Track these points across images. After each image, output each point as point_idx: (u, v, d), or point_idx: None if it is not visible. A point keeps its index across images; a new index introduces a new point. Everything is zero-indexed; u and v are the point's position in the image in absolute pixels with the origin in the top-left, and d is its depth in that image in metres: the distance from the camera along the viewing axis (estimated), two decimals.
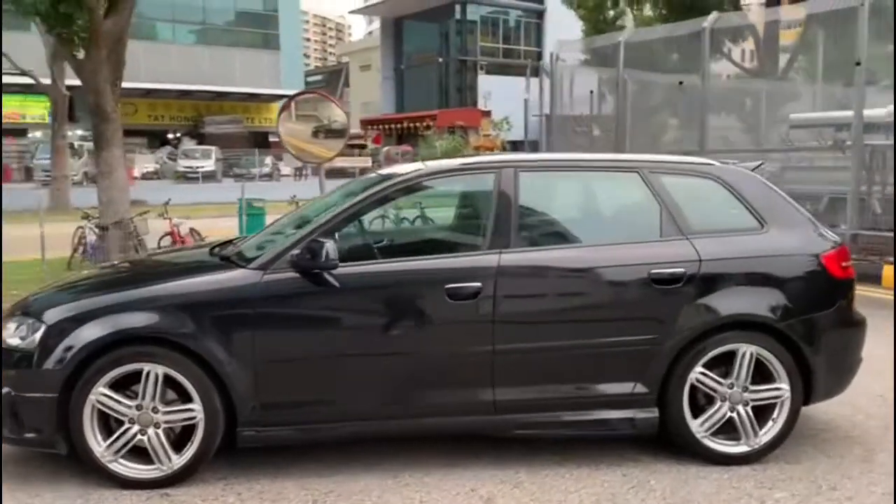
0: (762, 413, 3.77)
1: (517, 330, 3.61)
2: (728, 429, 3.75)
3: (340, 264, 3.47)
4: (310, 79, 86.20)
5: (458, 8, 48.62)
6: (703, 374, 3.69)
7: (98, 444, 3.40)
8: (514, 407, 3.63)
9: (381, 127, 48.95)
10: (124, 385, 3.42)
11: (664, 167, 3.95)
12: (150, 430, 3.42)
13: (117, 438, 3.41)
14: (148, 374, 3.39)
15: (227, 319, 3.46)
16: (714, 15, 11.46)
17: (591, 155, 4.68)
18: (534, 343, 3.62)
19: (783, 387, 3.74)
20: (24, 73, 24.30)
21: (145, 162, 36.12)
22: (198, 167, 30.80)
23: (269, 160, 35.88)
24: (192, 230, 11.69)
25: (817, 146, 10.73)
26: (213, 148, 34.61)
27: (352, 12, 64.45)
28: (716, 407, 3.73)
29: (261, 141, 42.33)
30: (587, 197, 4.11)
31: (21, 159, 33.10)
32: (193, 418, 3.44)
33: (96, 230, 11.48)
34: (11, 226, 13.04)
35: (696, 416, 3.72)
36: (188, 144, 38.42)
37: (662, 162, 4.04)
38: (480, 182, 3.81)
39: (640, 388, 3.67)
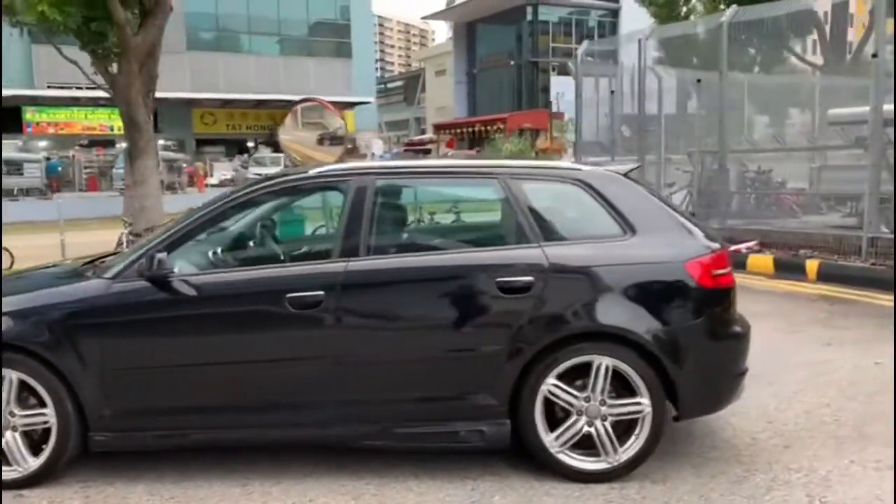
0: (629, 429, 3.61)
1: (361, 339, 3.60)
2: (591, 444, 3.61)
3: (189, 274, 3.55)
4: (390, 85, 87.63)
5: (529, 10, 48.39)
6: (556, 386, 3.57)
7: None
8: (360, 417, 3.62)
9: (453, 131, 49.21)
10: None
11: (526, 173, 3.84)
12: (8, 434, 3.59)
13: None
14: (5, 379, 3.55)
15: (79, 328, 3.59)
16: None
17: (453, 162, 4.61)
18: (379, 353, 3.60)
19: (644, 402, 3.57)
20: (97, 87, 25.59)
21: (223, 170, 37.48)
22: (266, 173, 31.77)
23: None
24: None
25: (843, 144, 10.13)
26: (283, 155, 35.60)
27: (424, 18, 64.97)
28: (571, 421, 3.60)
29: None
30: (443, 204, 4.04)
31: (106, 169, 34.91)
32: (47, 423, 3.58)
33: (131, 237, 11.94)
34: (80, 232, 13.95)
35: (553, 429, 3.61)
36: (263, 152, 39.63)
37: (525, 168, 3.94)
38: (339, 191, 3.80)
39: (489, 400, 3.58)
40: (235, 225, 3.96)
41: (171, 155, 34.88)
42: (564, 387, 3.57)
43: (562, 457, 3.60)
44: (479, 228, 3.97)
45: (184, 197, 27.64)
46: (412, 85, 73.73)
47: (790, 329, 6.56)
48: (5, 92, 33.64)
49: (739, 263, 9.71)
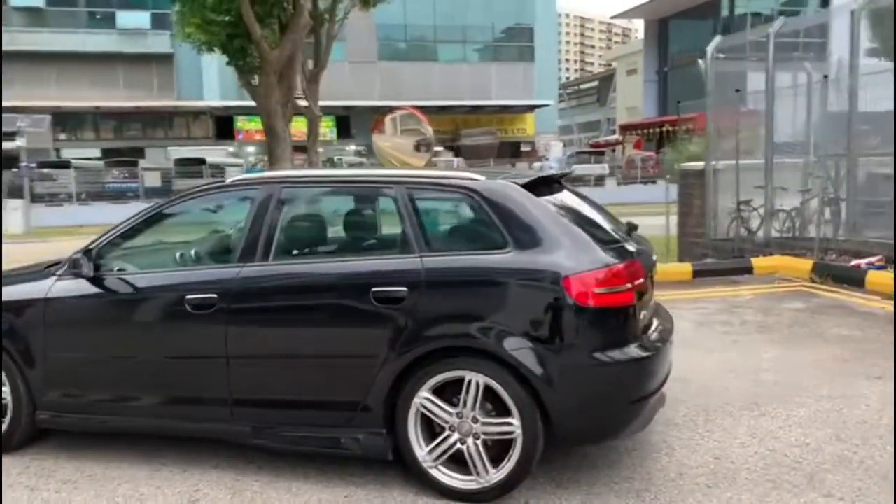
0: (506, 450, 3.48)
1: (248, 342, 3.77)
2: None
3: (107, 274, 3.94)
4: (584, 86, 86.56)
5: (726, 3, 45.69)
6: (428, 399, 3.52)
7: None
8: (249, 417, 3.79)
9: (640, 132, 47.66)
10: None
11: (420, 183, 3.80)
12: None
13: None
14: None
15: (31, 319, 4.10)
16: None
17: (356, 172, 4.55)
18: (264, 356, 3.76)
19: (514, 422, 3.42)
20: (300, 98, 27.94)
21: None
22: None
23: (512, 169, 36.97)
24: None
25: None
26: (456, 159, 36.56)
27: (614, 17, 63.38)
28: (444, 436, 3.53)
29: (513, 150, 43.66)
30: (341, 214, 4.08)
31: None
32: (4, 399, 4.13)
33: None
34: None
35: (430, 443, 3.56)
36: (445, 156, 40.92)
37: (420, 177, 3.88)
38: (249, 198, 3.99)
39: (365, 408, 3.60)
40: (158, 230, 4.28)
41: (355, 160, 36.96)
42: (436, 401, 3.51)
43: (434, 472, 3.54)
44: (370, 238, 3.98)
45: None
46: (605, 85, 72.37)
47: (846, 357, 5.81)
48: (221, 103, 37.86)
49: (858, 280, 8.70)
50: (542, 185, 4.05)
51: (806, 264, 9.62)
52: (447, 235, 3.75)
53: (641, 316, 3.65)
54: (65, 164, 29.61)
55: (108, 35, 37.49)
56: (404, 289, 3.53)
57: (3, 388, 4.12)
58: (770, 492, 3.56)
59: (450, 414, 3.51)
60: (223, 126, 39.38)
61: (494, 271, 3.51)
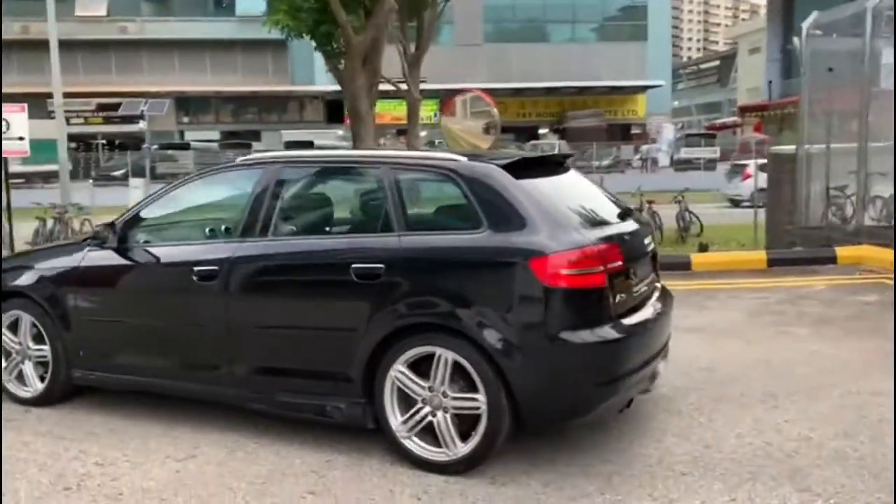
0: (474, 424, 3.56)
1: (243, 312, 4.02)
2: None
3: (128, 246, 4.30)
4: (703, 66, 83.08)
5: None
6: (402, 372, 3.65)
7: None
8: (245, 382, 4.05)
9: (761, 114, 45.44)
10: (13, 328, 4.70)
11: (404, 163, 3.91)
12: (27, 363, 4.65)
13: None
14: (19, 319, 4.62)
15: (66, 286, 4.52)
16: None
17: (348, 153, 4.60)
18: (257, 325, 3.99)
19: (480, 398, 3.50)
20: (385, 81, 28.48)
21: None
22: None
23: (615, 151, 36.19)
24: None
25: None
26: (558, 142, 36.11)
27: None
28: (416, 408, 3.65)
29: (622, 133, 42.69)
30: (333, 193, 4.23)
31: None
32: (45, 357, 4.57)
33: None
34: None
35: (405, 414, 3.70)
36: (550, 139, 40.52)
37: (406, 158, 3.99)
38: (252, 177, 4.21)
39: (347, 379, 3.77)
40: (176, 205, 4.58)
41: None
42: (410, 374, 3.64)
43: (407, 442, 3.68)
44: (357, 216, 4.12)
45: None
46: (727, 65, 69.26)
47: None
48: (332, 87, 39.01)
49: None
50: (537, 167, 4.08)
51: (892, 255, 9.02)
52: (427, 215, 3.85)
53: (619, 298, 3.62)
54: (185, 146, 31.47)
55: (229, 22, 39.31)
56: (382, 266, 3.67)
57: (45, 347, 4.57)
58: (743, 483, 3.47)
59: (422, 388, 3.62)
60: (333, 110, 40.58)
61: (467, 251, 3.59)
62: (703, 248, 11.56)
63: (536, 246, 3.47)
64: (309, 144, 32.56)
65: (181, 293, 4.18)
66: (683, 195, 14.38)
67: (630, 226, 4.04)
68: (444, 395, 3.58)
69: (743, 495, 3.37)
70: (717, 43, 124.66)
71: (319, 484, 3.55)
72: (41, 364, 4.63)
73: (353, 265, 3.72)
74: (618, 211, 4.10)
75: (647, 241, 4.10)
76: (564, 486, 3.48)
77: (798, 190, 11.76)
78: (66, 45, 37.15)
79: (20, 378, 4.68)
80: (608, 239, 3.63)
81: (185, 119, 39.89)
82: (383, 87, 32.30)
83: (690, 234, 13.65)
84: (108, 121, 37.82)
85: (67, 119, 37.21)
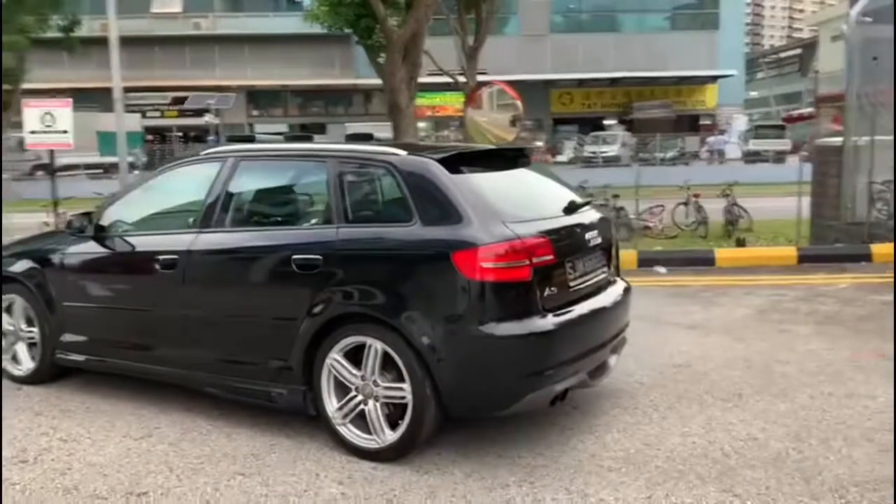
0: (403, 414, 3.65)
1: (199, 299, 4.20)
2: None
3: (110, 234, 4.54)
4: (784, 54, 79.98)
5: None
6: (337, 361, 3.75)
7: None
8: (202, 367, 4.22)
9: (840, 104, 43.52)
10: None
11: (348, 157, 4.00)
12: (20, 344, 4.97)
13: None
14: (13, 303, 4.94)
15: (51, 273, 4.81)
16: None
17: (302, 146, 4.62)
18: (211, 312, 4.16)
19: (406, 388, 3.58)
20: (443, 73, 28.56)
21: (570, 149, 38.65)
22: (601, 152, 32.02)
23: (680, 143, 35.28)
24: None
25: None
26: (622, 133, 35.44)
27: None
28: (350, 396, 3.75)
29: (691, 124, 41.59)
30: (282, 186, 4.34)
31: None
32: (34, 339, 4.88)
33: None
34: None
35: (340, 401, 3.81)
36: (615, 130, 39.80)
37: (349, 151, 4.08)
38: (211, 170, 4.36)
39: (287, 366, 3.90)
40: (149, 196, 4.78)
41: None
42: (344, 363, 3.74)
43: (342, 429, 3.79)
44: (303, 208, 4.21)
45: None
46: (809, 54, 66.51)
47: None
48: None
49: None
50: (486, 161, 4.12)
51: None
52: (366, 208, 3.93)
53: (549, 292, 3.63)
54: (250, 139, 32.24)
55: (297, 17, 40.08)
56: (319, 257, 3.78)
57: (35, 329, 4.87)
58: (667, 482, 3.44)
59: (355, 376, 3.72)
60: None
61: (396, 243, 3.67)
62: (739, 243, 11.25)
63: (460, 239, 3.51)
64: (368, 137, 32.93)
65: (146, 281, 4.40)
66: (731, 189, 13.99)
67: (573, 220, 4.03)
68: (375, 384, 3.67)
69: (660, 493, 3.34)
70: (801, 30, 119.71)
71: (254, 466, 3.69)
72: (32, 345, 4.94)
73: (294, 256, 3.85)
74: (564, 205, 4.08)
75: (594, 235, 4.07)
76: (486, 476, 3.53)
77: (844, 184, 11.31)
78: (144, 42, 38.90)
79: (15, 358, 5.01)
80: (538, 234, 3.64)
81: (255, 112, 40.96)
82: (443, 79, 32.50)
83: (739, 228, 13.27)
84: (182, 114, 39.20)
85: (144, 112, 38.96)
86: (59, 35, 28.34)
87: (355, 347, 3.73)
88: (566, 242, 3.85)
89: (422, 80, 36.00)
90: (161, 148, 35.48)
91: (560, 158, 36.41)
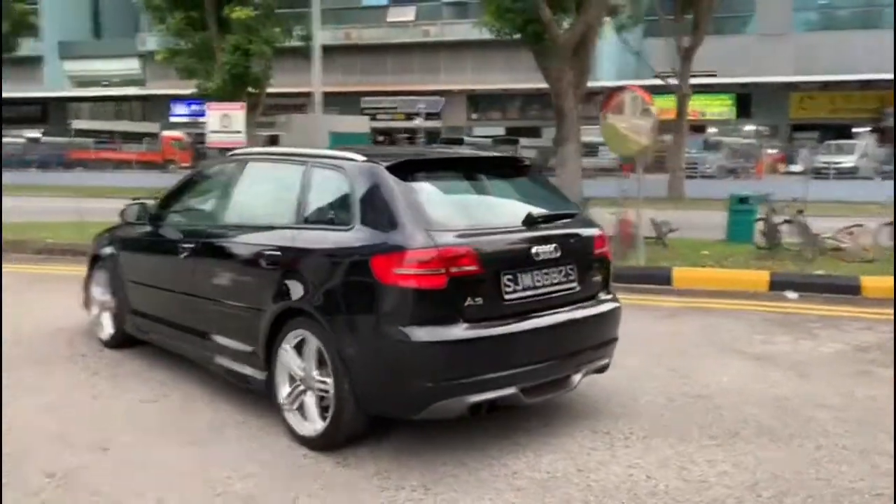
0: None
1: (200, 285, 4.69)
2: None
3: (159, 224, 5.21)
4: None
5: None
6: (287, 351, 4.03)
7: None
8: (203, 345, 4.71)
9: None
10: None
11: (320, 160, 4.24)
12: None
13: None
14: (98, 278, 5.83)
15: (122, 253, 5.61)
16: None
17: (283, 149, 4.80)
18: (206, 298, 4.64)
19: (329, 383, 3.77)
20: (658, 76, 27.52)
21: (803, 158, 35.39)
22: (834, 163, 28.96)
23: None
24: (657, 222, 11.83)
25: None
26: (860, 143, 31.71)
27: None
28: (295, 385, 4.01)
29: None
30: (270, 186, 4.62)
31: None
32: (113, 309, 5.71)
33: None
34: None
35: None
36: (864, 139, 35.80)
37: (321, 155, 4.30)
38: (225, 171, 4.89)
39: (254, 351, 4.24)
40: (189, 192, 5.35)
41: (739, 140, 34.46)
42: (293, 354, 4.00)
43: (288, 415, 4.05)
44: (279, 208, 4.47)
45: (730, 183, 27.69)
46: None
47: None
48: (615, 83, 38.79)
49: None
50: (455, 168, 4.20)
51: None
52: (322, 210, 4.13)
53: (472, 302, 3.61)
54: (458, 141, 33.50)
55: None
56: (279, 254, 4.09)
57: (114, 301, 5.71)
58: None
59: (300, 368, 3.97)
60: None
61: (334, 245, 3.86)
62: None
63: (379, 245, 3.62)
64: (459, 142, 32.97)
65: (172, 265, 4.99)
66: None
67: (523, 234, 3.92)
68: (312, 376, 3.90)
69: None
70: None
71: (206, 438, 4.08)
72: (113, 315, 5.78)
73: (265, 252, 4.18)
74: (523, 218, 3.99)
75: (548, 250, 3.92)
76: (392, 476, 3.60)
77: None
78: (377, 49, 41.90)
79: (99, 325, 5.89)
80: (462, 244, 3.63)
81: (475, 115, 42.33)
82: (653, 81, 31.42)
83: None
84: (408, 117, 41.60)
85: (374, 115, 41.84)
86: (299, 44, 31.24)
87: (301, 341, 3.98)
88: (504, 255, 3.79)
89: (652, 82, 34.22)
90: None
91: (793, 168, 33.49)
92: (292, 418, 4.03)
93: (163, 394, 4.78)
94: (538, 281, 3.90)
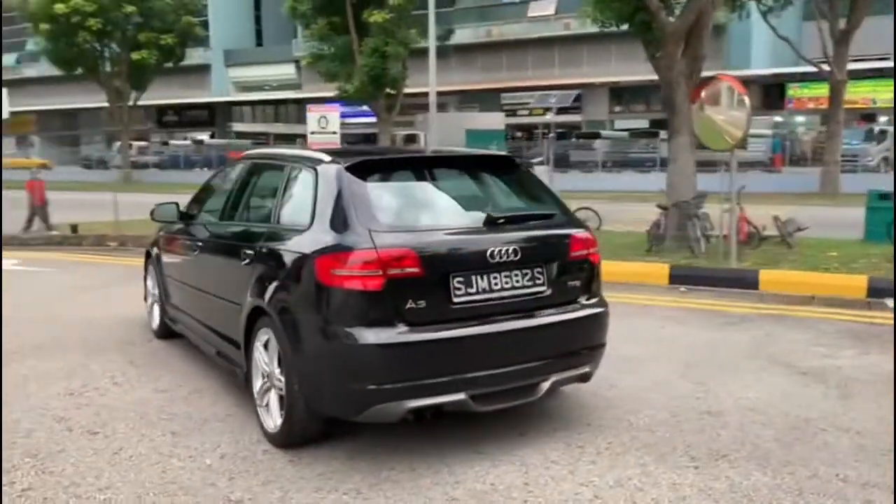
0: None
1: (206, 279, 4.92)
2: None
3: (188, 223, 5.50)
4: None
5: None
6: (258, 348, 4.12)
7: None
8: (207, 338, 4.93)
9: None
10: None
11: (295, 162, 4.30)
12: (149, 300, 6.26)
13: None
14: (149, 274, 6.25)
15: (160, 248, 5.97)
16: None
17: (281, 151, 4.73)
18: (207, 291, 4.87)
19: (282, 381, 3.82)
20: (808, 62, 25.40)
21: None
22: None
23: None
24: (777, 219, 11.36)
25: None
26: None
27: None
28: (263, 381, 4.10)
29: None
30: (261, 185, 4.69)
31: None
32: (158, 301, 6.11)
33: (659, 208, 12.70)
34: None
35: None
36: None
37: (297, 157, 4.36)
38: (239, 168, 5.09)
39: (239, 341, 4.36)
40: (210, 190, 5.56)
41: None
42: (263, 351, 4.09)
43: (259, 410, 4.15)
44: (262, 208, 4.49)
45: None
46: None
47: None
48: (770, 70, 36.43)
49: None
50: (422, 167, 4.15)
51: None
52: (290, 211, 4.14)
53: (412, 305, 3.53)
54: (595, 135, 32.71)
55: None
56: (252, 253, 4.19)
57: (157, 292, 6.11)
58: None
59: (266, 364, 4.06)
60: (770, 94, 37.66)
61: (290, 247, 3.90)
62: None
63: (321, 246, 3.63)
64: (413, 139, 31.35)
65: (189, 261, 5.25)
66: None
67: (484, 235, 3.77)
68: (274, 374, 3.97)
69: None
70: None
71: (189, 428, 4.25)
72: (159, 307, 6.17)
73: (244, 251, 4.31)
74: (485, 218, 3.84)
75: (507, 252, 3.74)
76: (335, 478, 3.59)
77: None
78: (517, 44, 41.74)
79: (151, 315, 6.31)
80: (404, 246, 3.54)
81: (617, 108, 41.13)
82: (804, 68, 29.13)
83: None
84: (547, 111, 41.15)
85: (514, 111, 41.74)
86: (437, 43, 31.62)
87: (268, 339, 4.05)
88: (454, 257, 3.67)
89: (806, 69, 31.32)
90: (526, 144, 37.73)
91: None
92: (262, 414, 4.12)
93: (177, 384, 5.04)
94: (496, 284, 3.75)
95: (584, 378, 4.15)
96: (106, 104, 37.90)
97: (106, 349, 5.90)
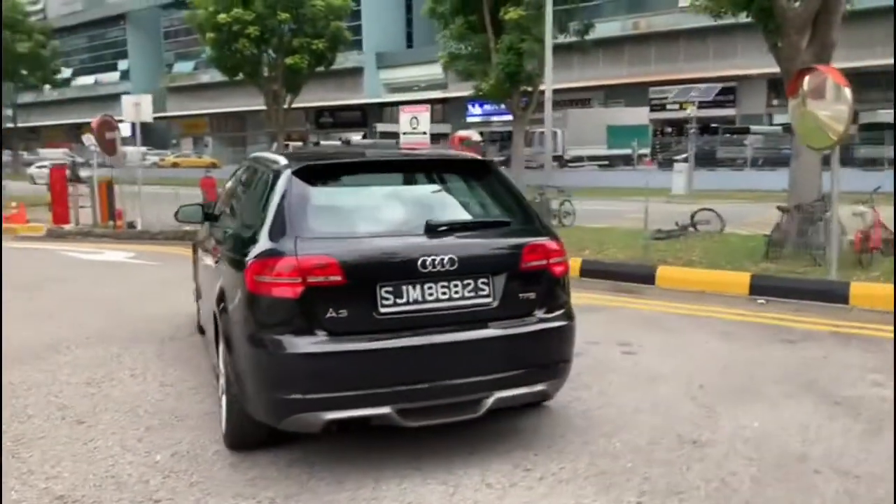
0: None
1: (204, 279, 5.06)
2: None
3: (209, 223, 5.70)
4: None
5: None
6: (220, 349, 4.16)
7: None
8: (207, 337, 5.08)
9: None
10: None
11: (262, 165, 4.31)
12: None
13: None
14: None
15: (196, 246, 6.23)
16: None
17: (262, 154, 4.57)
18: (205, 290, 4.99)
19: (222, 383, 3.86)
20: None
21: None
22: None
23: None
24: None
25: None
26: None
27: None
28: (221, 382, 4.15)
29: None
30: (244, 189, 4.70)
31: None
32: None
33: (780, 209, 11.74)
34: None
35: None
36: None
37: (265, 160, 4.39)
38: (238, 173, 5.20)
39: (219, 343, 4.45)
40: (227, 190, 5.67)
41: None
42: (224, 352, 4.14)
43: (221, 410, 4.20)
44: (240, 212, 4.48)
45: None
46: None
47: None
48: None
49: None
50: (381, 171, 4.04)
51: None
52: (248, 214, 4.13)
53: (334, 314, 3.44)
54: (744, 130, 30.70)
55: None
56: (219, 256, 4.30)
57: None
58: None
59: (225, 365, 4.11)
60: None
61: (238, 252, 3.90)
62: None
63: (256, 252, 3.60)
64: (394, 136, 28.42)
65: (200, 261, 5.44)
66: None
67: (417, 243, 3.59)
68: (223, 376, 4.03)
69: None
70: None
71: (166, 423, 4.38)
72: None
73: (219, 254, 4.42)
74: (425, 225, 3.66)
75: (444, 261, 3.54)
76: (259, 485, 3.57)
77: None
78: (667, 36, 40.00)
79: (197, 312, 6.61)
80: (326, 253, 3.46)
81: (776, 101, 38.38)
82: None
83: None
84: (700, 106, 39.18)
85: (663, 105, 40.11)
86: (574, 39, 30.92)
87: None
88: (382, 265, 3.53)
89: None
90: (673, 140, 36.12)
91: None
92: (222, 414, 4.19)
93: (183, 380, 5.23)
94: (430, 294, 3.57)
95: (542, 397, 3.88)
96: (265, 107, 40.33)
97: (146, 342, 6.23)
